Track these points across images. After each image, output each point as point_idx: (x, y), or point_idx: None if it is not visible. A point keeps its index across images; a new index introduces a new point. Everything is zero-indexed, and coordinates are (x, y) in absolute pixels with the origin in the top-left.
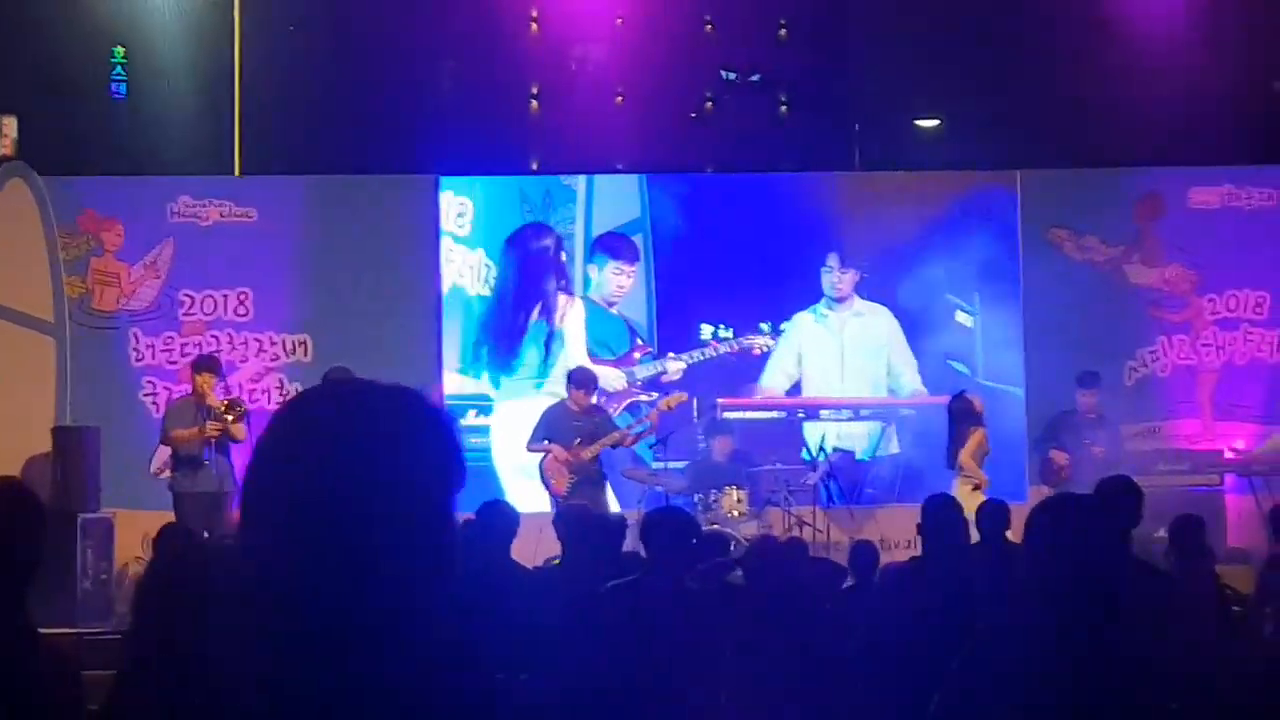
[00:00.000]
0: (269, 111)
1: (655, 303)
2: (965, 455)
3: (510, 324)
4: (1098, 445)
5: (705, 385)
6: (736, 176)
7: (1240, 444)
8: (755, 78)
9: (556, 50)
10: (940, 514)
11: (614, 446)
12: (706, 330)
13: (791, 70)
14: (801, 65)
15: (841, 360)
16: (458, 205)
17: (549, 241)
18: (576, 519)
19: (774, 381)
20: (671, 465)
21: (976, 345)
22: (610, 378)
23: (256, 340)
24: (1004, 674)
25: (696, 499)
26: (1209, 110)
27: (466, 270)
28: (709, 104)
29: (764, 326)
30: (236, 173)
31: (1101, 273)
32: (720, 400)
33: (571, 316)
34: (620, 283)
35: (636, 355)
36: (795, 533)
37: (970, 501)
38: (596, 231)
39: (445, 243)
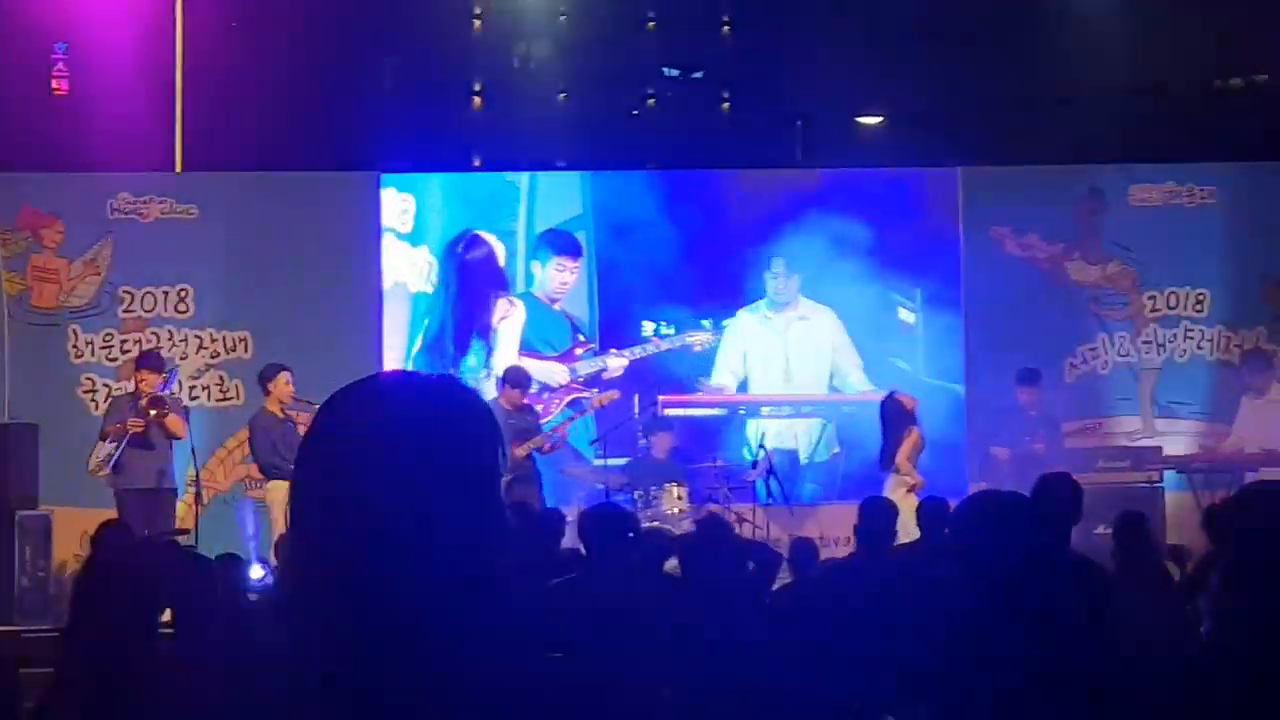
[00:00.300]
0: (210, 108)
1: (597, 299)
2: (902, 456)
3: (452, 325)
4: (1038, 442)
5: (647, 382)
6: (678, 173)
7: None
8: (697, 74)
9: (499, 47)
10: (876, 516)
11: (539, 449)
12: (648, 327)
13: (734, 67)
14: (744, 62)
15: (786, 363)
16: (400, 202)
17: (485, 251)
18: (515, 517)
19: (722, 380)
20: (612, 462)
21: (919, 342)
22: (553, 372)
23: (197, 337)
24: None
25: (636, 495)
26: (1150, 108)
27: (409, 268)
28: (651, 101)
29: (705, 324)
30: (178, 169)
31: (1042, 270)
32: (661, 397)
33: (511, 318)
34: (563, 279)
35: (578, 352)
36: (736, 531)
37: (906, 503)
38: (539, 228)
39: (388, 240)
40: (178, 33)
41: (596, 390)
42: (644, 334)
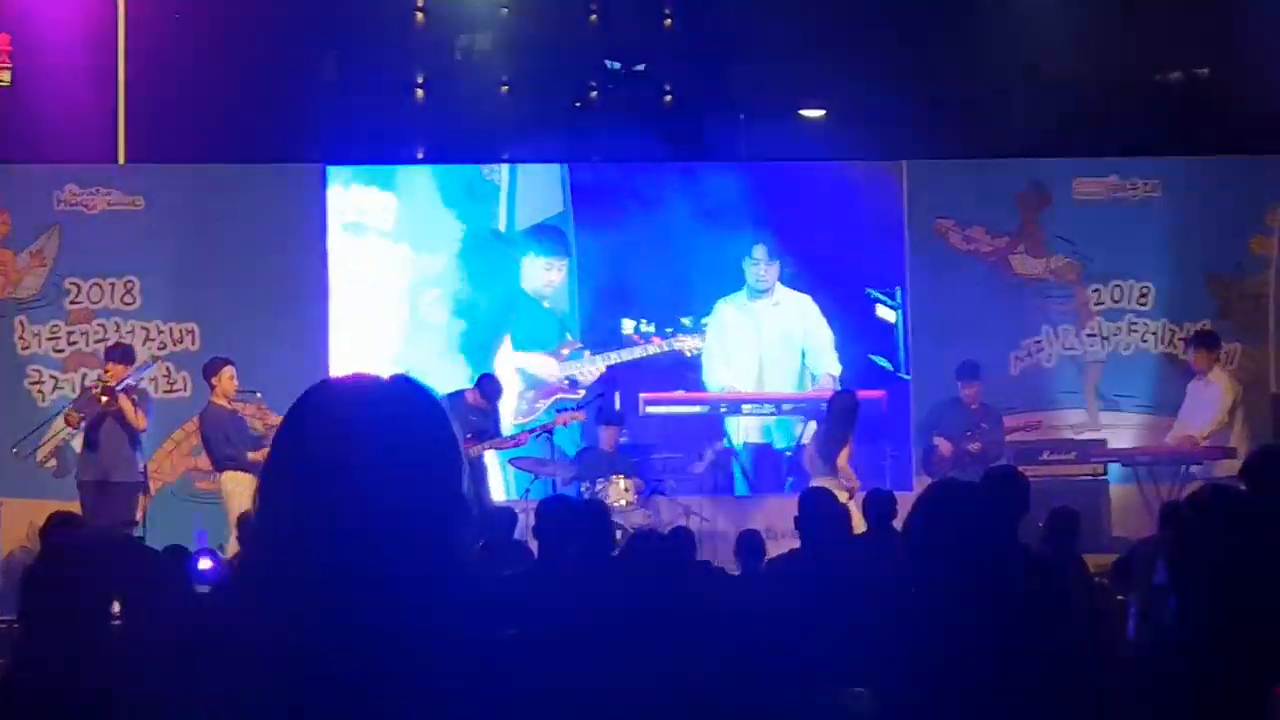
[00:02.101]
0: (155, 100)
1: (578, 297)
2: (844, 460)
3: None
4: (980, 435)
5: (633, 381)
6: (662, 167)
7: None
8: (640, 67)
9: (441, 40)
10: (817, 506)
11: (495, 450)
12: (628, 325)
13: (676, 60)
14: (686, 55)
15: (759, 350)
16: (381, 201)
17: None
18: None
19: (718, 375)
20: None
21: (899, 339)
22: (546, 367)
23: (144, 328)
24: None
25: (584, 488)
26: (1093, 101)
27: (391, 265)
28: (594, 94)
29: (686, 322)
30: (120, 161)
31: (987, 263)
32: (643, 395)
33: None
34: (550, 278)
35: (565, 351)
36: (682, 521)
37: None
38: (520, 225)
39: (370, 238)
40: (120, 24)
41: (584, 392)
42: (624, 331)
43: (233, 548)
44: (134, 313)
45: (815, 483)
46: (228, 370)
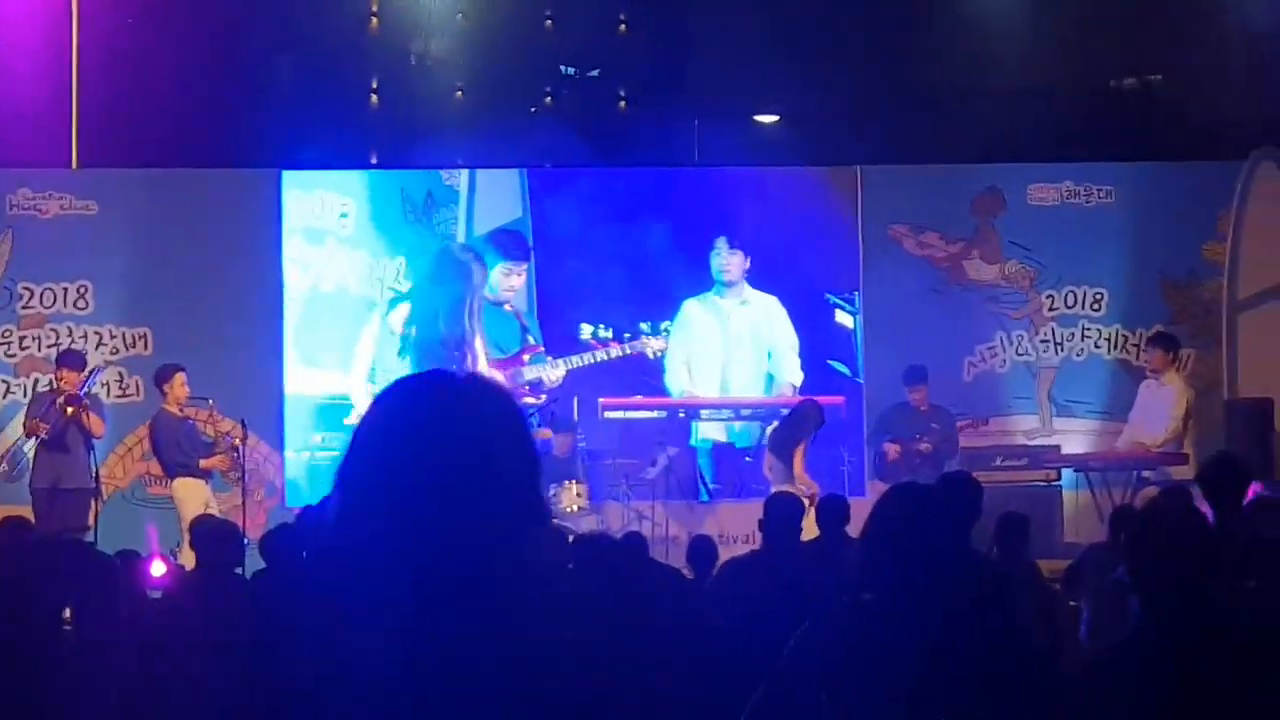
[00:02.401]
0: (109, 104)
1: (537, 302)
2: (799, 466)
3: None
4: (931, 435)
5: (594, 385)
6: (620, 171)
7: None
8: (595, 72)
9: (397, 45)
10: (783, 512)
11: None
12: (586, 330)
13: (631, 65)
14: (641, 60)
15: (725, 351)
16: (340, 205)
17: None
18: None
19: (679, 379)
20: None
21: (857, 345)
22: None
23: (97, 333)
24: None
25: None
26: (1049, 107)
27: (350, 271)
28: (549, 99)
29: (644, 326)
30: (74, 165)
31: (941, 269)
32: (602, 400)
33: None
34: (511, 282)
35: (526, 356)
36: (634, 527)
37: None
38: (479, 230)
39: (329, 244)
40: (74, 27)
41: (545, 397)
42: (582, 336)
43: (186, 553)
44: (87, 317)
45: (777, 489)
46: (179, 377)
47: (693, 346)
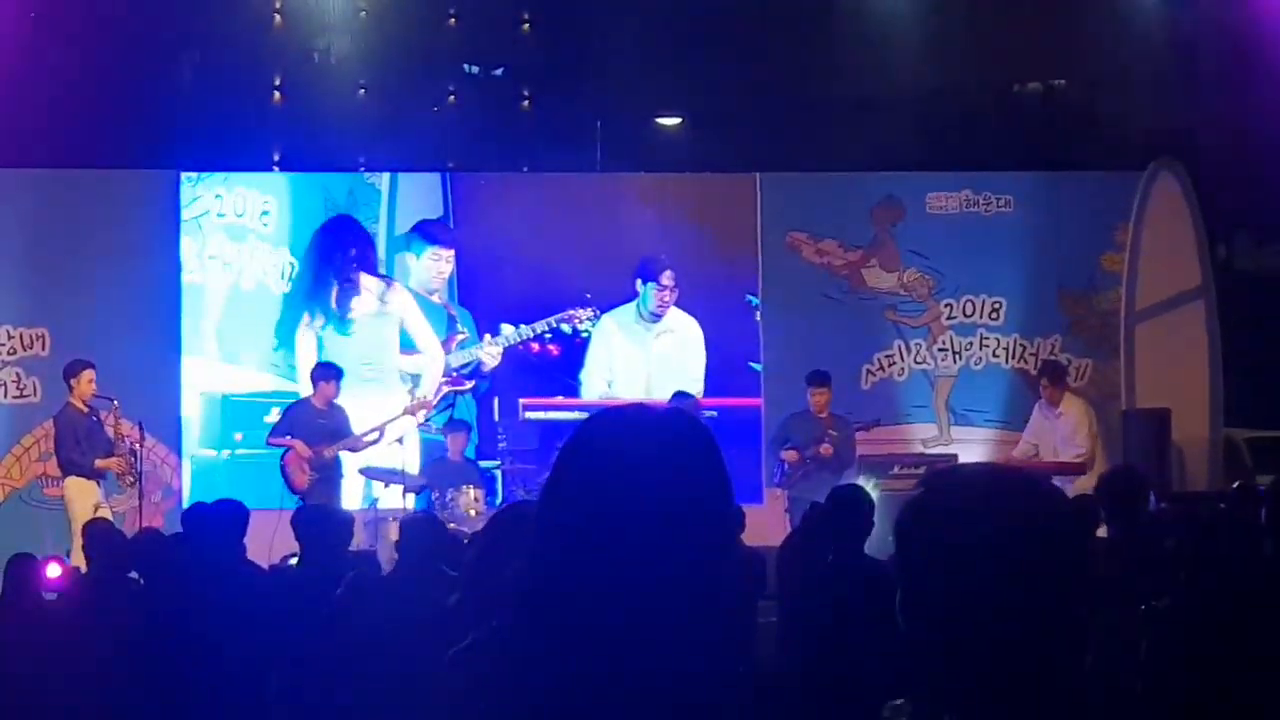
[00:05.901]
0: (6, 103)
1: (458, 300)
2: None
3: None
4: (828, 445)
5: (511, 384)
6: (543, 175)
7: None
8: (497, 71)
9: (299, 43)
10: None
11: (350, 450)
12: (508, 329)
13: (534, 64)
14: (544, 60)
15: (648, 376)
16: (261, 203)
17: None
18: (318, 519)
19: (594, 385)
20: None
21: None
22: (434, 361)
23: None
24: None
25: (434, 497)
26: (948, 116)
27: (270, 269)
28: (452, 97)
29: (565, 329)
30: None
31: (840, 277)
32: (522, 400)
33: (399, 303)
34: (439, 269)
35: (454, 343)
36: None
37: None
38: (400, 229)
39: (250, 242)
40: None
41: (474, 383)
42: (504, 334)
43: (77, 555)
44: None
45: None
46: (88, 373)
47: (615, 365)
